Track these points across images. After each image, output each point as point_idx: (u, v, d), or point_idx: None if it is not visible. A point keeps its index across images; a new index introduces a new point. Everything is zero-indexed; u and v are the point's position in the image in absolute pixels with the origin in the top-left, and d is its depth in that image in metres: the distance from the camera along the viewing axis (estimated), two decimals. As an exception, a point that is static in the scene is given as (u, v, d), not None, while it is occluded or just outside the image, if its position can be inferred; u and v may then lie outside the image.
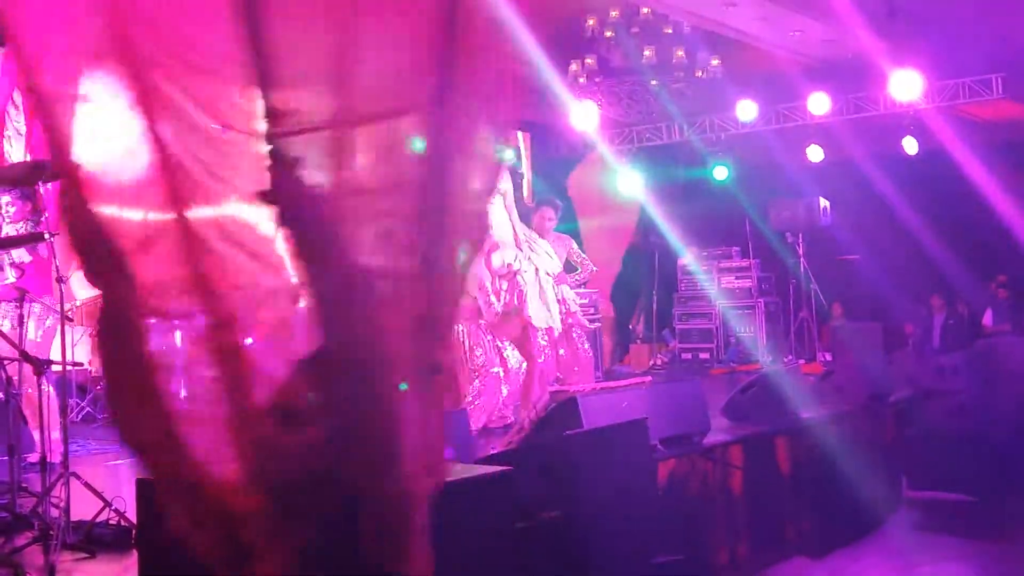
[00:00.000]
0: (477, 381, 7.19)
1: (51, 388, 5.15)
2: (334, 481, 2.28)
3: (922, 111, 12.24)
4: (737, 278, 13.58)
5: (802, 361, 11.90)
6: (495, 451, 5.12)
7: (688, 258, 13.99)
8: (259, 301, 2.39)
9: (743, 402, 6.56)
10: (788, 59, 11.76)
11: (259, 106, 2.25)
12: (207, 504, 2.33)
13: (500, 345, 7.35)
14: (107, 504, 4.27)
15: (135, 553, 3.83)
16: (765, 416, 6.32)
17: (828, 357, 12.19)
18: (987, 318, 12.93)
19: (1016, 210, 12.11)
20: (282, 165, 2.26)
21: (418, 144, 2.36)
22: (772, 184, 13.38)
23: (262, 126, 2.25)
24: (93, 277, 2.34)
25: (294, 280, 2.27)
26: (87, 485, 4.45)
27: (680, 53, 10.18)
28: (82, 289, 8.49)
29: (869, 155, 13.14)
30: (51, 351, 5.88)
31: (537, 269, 7.41)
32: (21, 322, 4.64)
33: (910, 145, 12.37)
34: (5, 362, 4.61)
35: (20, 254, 5.44)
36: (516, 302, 7.22)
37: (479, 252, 6.29)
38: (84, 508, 4.33)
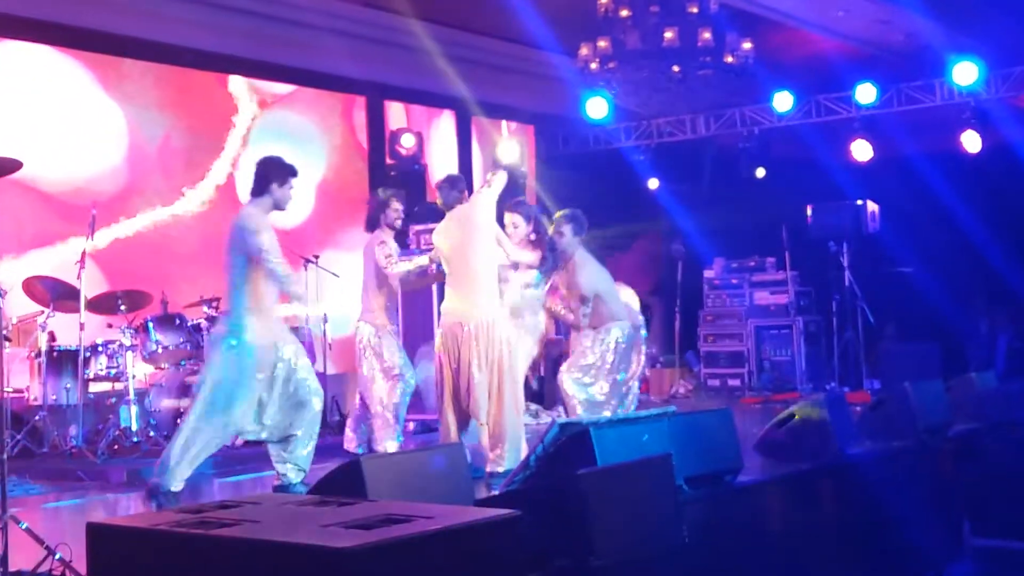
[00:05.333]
0: None
1: None
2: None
3: (984, 102, 12.29)
4: (772, 293, 13.59)
5: (847, 389, 11.90)
6: (496, 491, 5.13)
7: (715, 270, 14.01)
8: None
9: (780, 436, 6.56)
10: (831, 43, 11.81)
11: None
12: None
13: None
14: (50, 552, 4.26)
15: (82, 608, 3.82)
16: (805, 452, 6.33)
17: (877, 384, 12.19)
18: (1060, 339, 12.94)
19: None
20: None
21: None
22: (812, 186, 13.41)
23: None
24: None
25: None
26: (28, 531, 4.45)
27: (707, 35, 10.20)
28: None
29: (924, 152, 13.19)
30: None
31: None
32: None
33: (971, 141, 12.41)
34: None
35: None
36: None
37: None
38: (24, 557, 4.32)
